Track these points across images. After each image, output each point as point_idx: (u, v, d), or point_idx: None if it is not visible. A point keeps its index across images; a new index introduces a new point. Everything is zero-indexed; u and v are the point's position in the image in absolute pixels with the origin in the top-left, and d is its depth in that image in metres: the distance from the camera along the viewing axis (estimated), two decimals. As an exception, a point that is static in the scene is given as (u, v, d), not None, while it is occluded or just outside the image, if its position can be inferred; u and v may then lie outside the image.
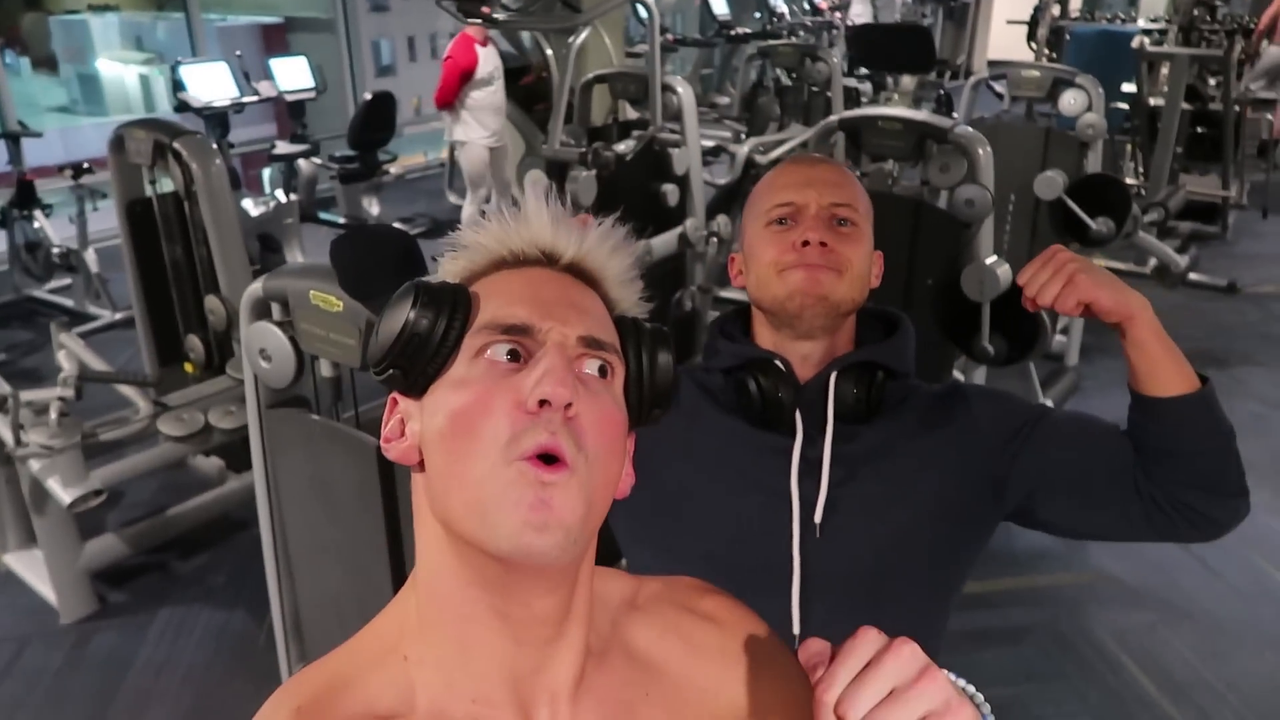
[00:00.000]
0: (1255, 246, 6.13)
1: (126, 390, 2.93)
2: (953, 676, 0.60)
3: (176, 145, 2.78)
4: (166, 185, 2.99)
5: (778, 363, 1.09)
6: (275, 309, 1.66)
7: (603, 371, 0.59)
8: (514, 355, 0.57)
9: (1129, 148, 5.83)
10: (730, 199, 4.60)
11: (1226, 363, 4.44)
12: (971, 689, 0.65)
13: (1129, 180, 5.70)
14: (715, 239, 3.73)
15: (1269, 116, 6.54)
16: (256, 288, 1.66)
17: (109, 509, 3.06)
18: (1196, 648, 2.65)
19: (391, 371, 0.59)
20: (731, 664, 0.69)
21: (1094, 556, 3.02)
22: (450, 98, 5.40)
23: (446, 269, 0.65)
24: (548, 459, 0.54)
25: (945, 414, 1.12)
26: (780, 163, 1.19)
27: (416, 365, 0.58)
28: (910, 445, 1.10)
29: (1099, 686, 2.51)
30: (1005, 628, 2.72)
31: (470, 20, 4.33)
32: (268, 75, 5.64)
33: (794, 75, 5.66)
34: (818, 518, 1.07)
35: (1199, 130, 5.93)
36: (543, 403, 0.54)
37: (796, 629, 1.05)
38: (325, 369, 1.66)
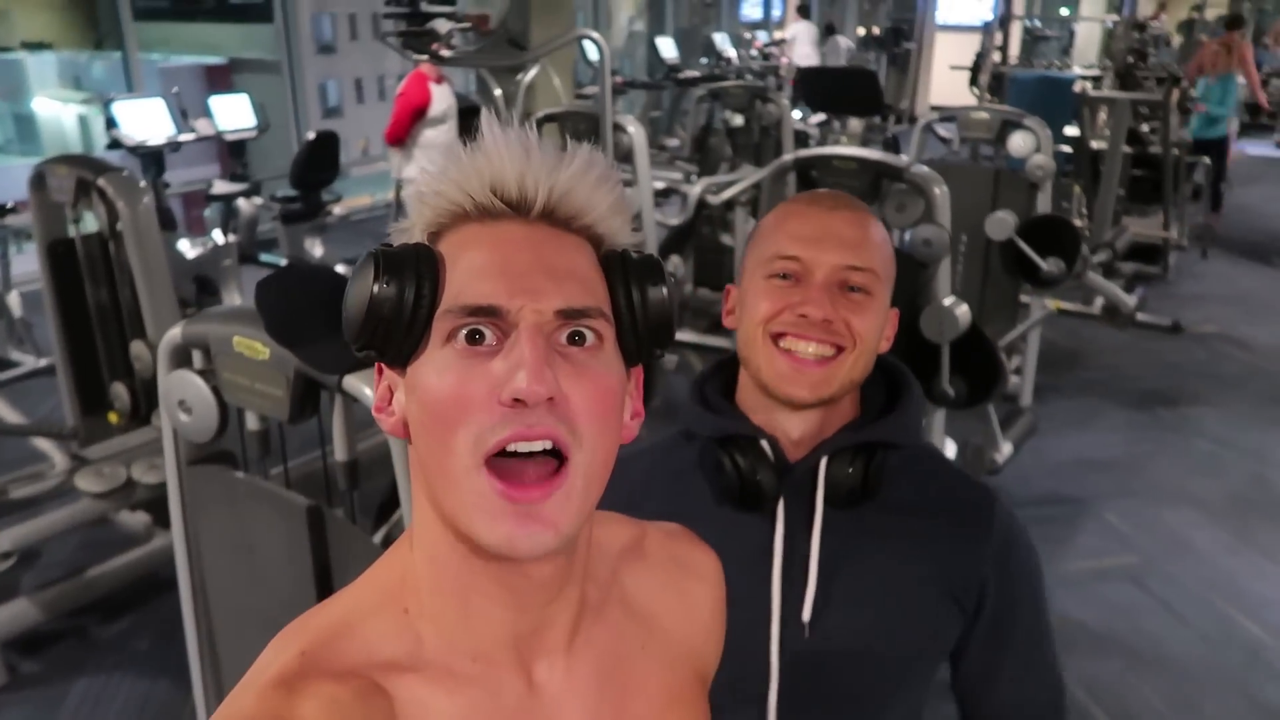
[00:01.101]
0: (1196, 286, 6.25)
1: (42, 442, 2.74)
2: None
3: (101, 183, 2.63)
4: (91, 224, 2.84)
5: (763, 444, 0.95)
6: (196, 356, 1.53)
7: (587, 338, 0.55)
8: (487, 337, 0.54)
9: (1074, 189, 5.93)
10: (683, 239, 4.54)
11: (1177, 402, 4.47)
12: None
13: (1075, 221, 5.78)
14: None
15: (1205, 160, 6.71)
16: (175, 334, 1.52)
17: (22, 570, 2.85)
18: (1164, 694, 2.59)
19: (368, 351, 0.56)
20: (717, 625, 0.73)
21: (1058, 603, 2.96)
22: (402, 134, 5.31)
23: (413, 217, 0.59)
24: (529, 454, 0.53)
25: (959, 526, 0.98)
26: (797, 197, 1.02)
27: (391, 343, 0.55)
28: (906, 542, 0.97)
29: (1070, 739, 2.43)
30: (972, 679, 2.64)
31: (417, 57, 4.26)
32: (207, 113, 5.48)
33: (744, 117, 5.66)
34: (805, 616, 0.94)
35: (1138, 173, 6.06)
36: (518, 399, 0.52)
37: None
38: (252, 422, 1.52)
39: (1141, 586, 3.07)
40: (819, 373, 0.92)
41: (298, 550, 1.45)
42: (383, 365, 0.59)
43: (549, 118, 4.20)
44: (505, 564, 0.57)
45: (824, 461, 0.95)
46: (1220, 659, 2.74)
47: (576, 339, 0.55)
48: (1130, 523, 3.44)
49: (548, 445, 0.53)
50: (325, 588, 1.46)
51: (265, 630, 1.69)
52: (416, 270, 0.54)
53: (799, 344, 0.92)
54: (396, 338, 0.55)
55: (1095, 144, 5.92)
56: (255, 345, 1.37)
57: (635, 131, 3.80)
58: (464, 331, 0.54)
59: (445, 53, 3.71)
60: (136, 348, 2.67)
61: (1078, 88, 5.95)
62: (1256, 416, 4.33)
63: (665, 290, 0.59)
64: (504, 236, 0.56)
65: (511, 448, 0.53)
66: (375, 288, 0.54)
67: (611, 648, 0.64)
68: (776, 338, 0.93)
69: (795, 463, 0.96)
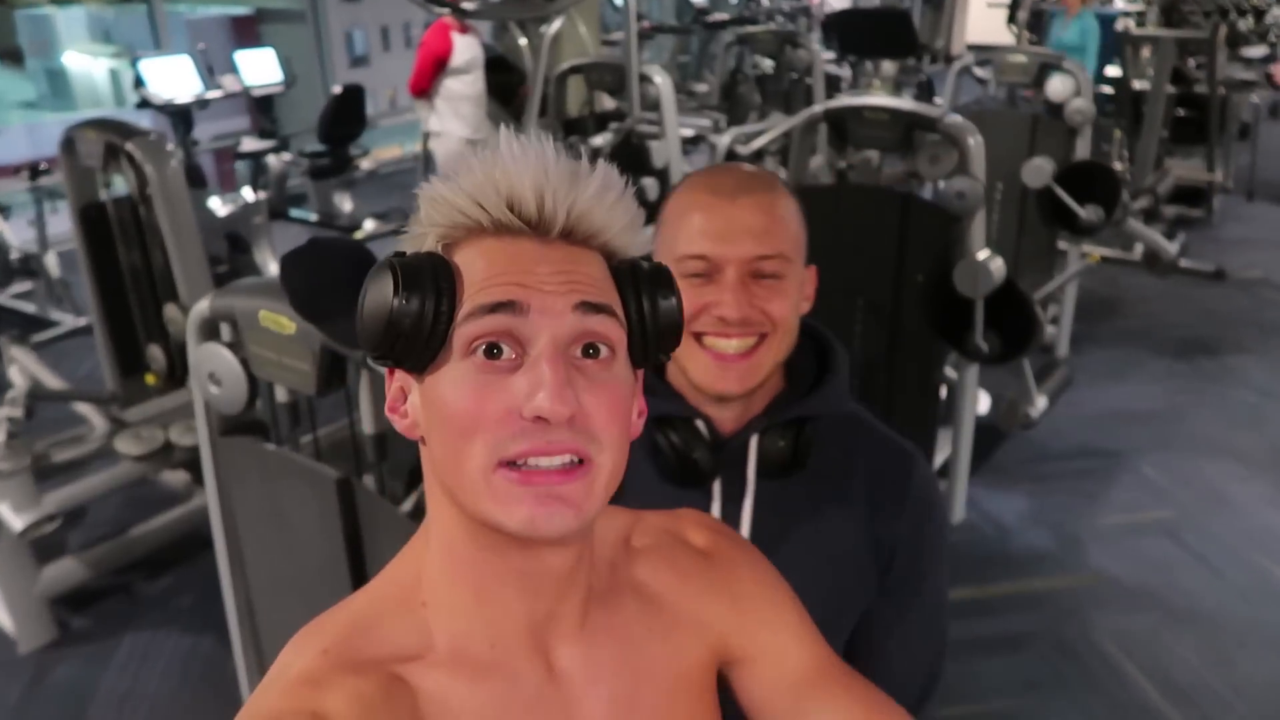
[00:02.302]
0: (1241, 230, 6.08)
1: (82, 406, 2.79)
2: None
3: (129, 147, 2.64)
4: (122, 188, 2.85)
5: (698, 423, 0.99)
6: (225, 329, 1.54)
7: (601, 351, 0.57)
8: (505, 352, 0.55)
9: (1115, 132, 5.76)
10: (712, 191, 4.48)
11: (1218, 351, 4.38)
12: None
13: (1115, 165, 5.64)
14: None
15: (1254, 99, 6.49)
16: (203, 307, 1.53)
17: (68, 529, 2.92)
18: (1200, 651, 2.57)
19: (384, 360, 0.57)
20: (722, 597, 0.71)
21: (1092, 557, 2.94)
22: (425, 84, 5.25)
23: (424, 225, 0.59)
24: (554, 465, 0.54)
25: (878, 490, 1.02)
26: (698, 180, 1.00)
27: (410, 354, 0.56)
28: (832, 507, 1.01)
29: (1101, 695, 2.43)
30: (1004, 635, 2.64)
31: (438, 10, 4.21)
32: (233, 69, 5.48)
33: (774, 62, 5.54)
34: None
35: (1183, 113, 5.87)
36: (540, 417, 0.54)
37: None
38: (281, 393, 1.54)
39: (1178, 541, 3.04)
40: (743, 365, 0.95)
41: (328, 521, 1.47)
42: (394, 369, 0.60)
43: (574, 69, 4.14)
44: (522, 552, 0.59)
45: (754, 438, 0.98)
46: (1257, 614, 2.71)
47: (591, 352, 0.57)
48: (1167, 476, 3.39)
49: (569, 459, 0.55)
50: (357, 557, 1.48)
51: (300, 596, 1.72)
52: (435, 284, 0.55)
53: (720, 341, 0.95)
54: (415, 349, 0.55)
55: (1138, 84, 5.73)
56: (281, 320, 1.37)
57: (662, 82, 3.74)
58: (482, 346, 0.55)
59: (467, 5, 3.65)
60: (170, 311, 2.69)
61: (1120, 25, 5.75)
62: (1301, 365, 4.24)
63: (675, 300, 0.61)
64: (520, 251, 0.57)
65: (532, 462, 0.54)
66: (395, 301, 0.54)
67: (620, 633, 0.65)
68: (698, 336, 0.95)
69: (728, 439, 0.99)
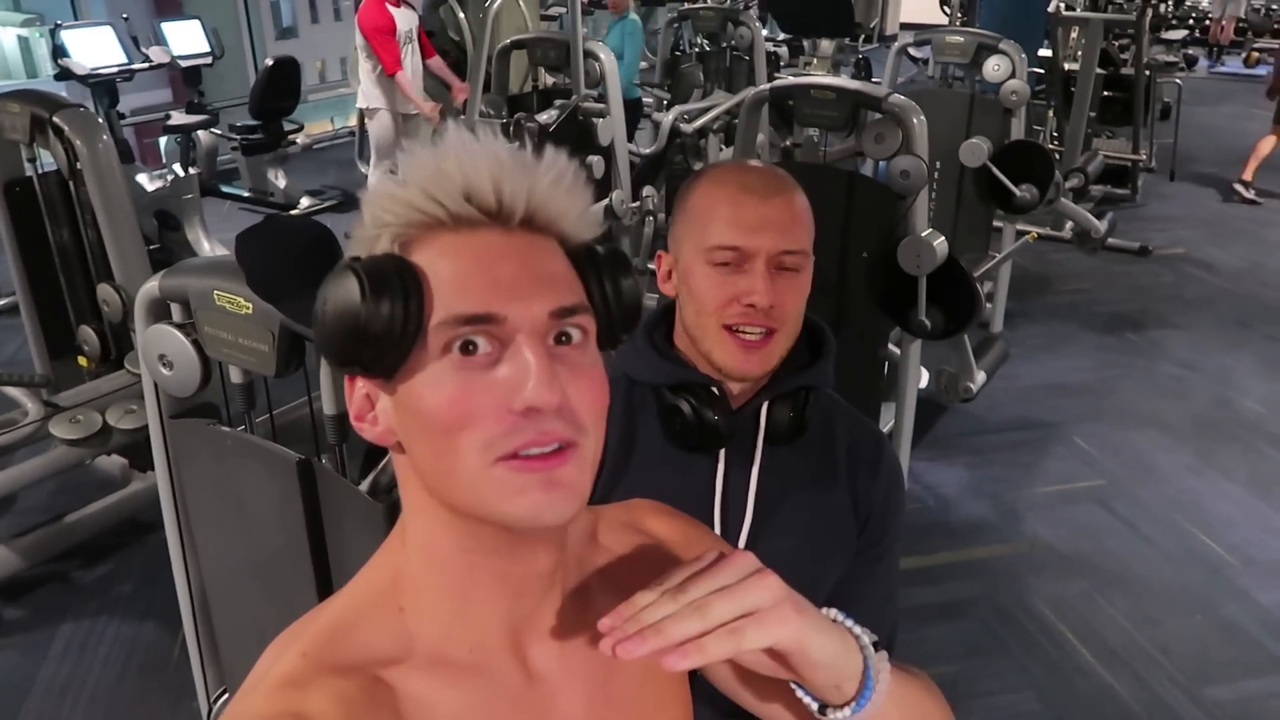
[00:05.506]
0: (1164, 208, 6.30)
1: (13, 390, 2.69)
2: (838, 614, 0.63)
3: (57, 120, 2.53)
4: (48, 162, 2.74)
5: (714, 390, 1.05)
6: (175, 309, 1.50)
7: (574, 337, 0.57)
8: (482, 346, 0.54)
9: (1049, 113, 5.91)
10: (656, 169, 4.48)
11: (1144, 325, 4.55)
12: (851, 624, 0.64)
13: (1047, 145, 5.78)
14: (649, 216, 3.62)
15: (1175, 80, 6.70)
16: (153, 287, 1.48)
17: (-1, 517, 2.83)
18: (1130, 613, 2.69)
19: (350, 368, 0.56)
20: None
21: (1028, 526, 3.04)
22: (396, 55, 5.12)
23: (373, 226, 0.57)
24: (545, 451, 0.54)
25: (860, 461, 1.11)
26: (728, 176, 1.06)
27: (379, 361, 0.54)
28: (824, 473, 1.10)
29: (1039, 658, 2.53)
30: (946, 602, 2.72)
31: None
32: (159, 39, 5.28)
33: (716, 40, 5.54)
34: (740, 545, 1.05)
35: (1109, 94, 6.04)
36: (530, 408, 0.53)
37: None
38: (235, 375, 1.50)
39: (1108, 508, 3.16)
40: (764, 348, 1.03)
41: (289, 503, 1.44)
42: (356, 376, 0.58)
43: (516, 44, 4.09)
44: (510, 553, 0.59)
45: (765, 407, 1.06)
46: (1183, 577, 2.84)
47: (563, 339, 0.56)
48: (1098, 446, 3.52)
49: (558, 445, 0.55)
50: (318, 539, 1.46)
51: (259, 580, 1.68)
52: (403, 286, 0.53)
53: (744, 326, 1.03)
54: (385, 355, 0.54)
55: (1068, 66, 5.88)
56: (238, 300, 1.34)
57: (606, 59, 3.71)
58: (459, 342, 0.54)
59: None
60: (104, 291, 2.60)
61: (1051, 7, 5.88)
62: (1220, 338, 4.42)
63: (634, 281, 0.61)
64: (484, 246, 0.56)
65: (524, 452, 0.54)
66: (362, 307, 0.52)
67: (593, 629, 0.65)
68: (728, 328, 1.03)
69: (740, 407, 1.07)
